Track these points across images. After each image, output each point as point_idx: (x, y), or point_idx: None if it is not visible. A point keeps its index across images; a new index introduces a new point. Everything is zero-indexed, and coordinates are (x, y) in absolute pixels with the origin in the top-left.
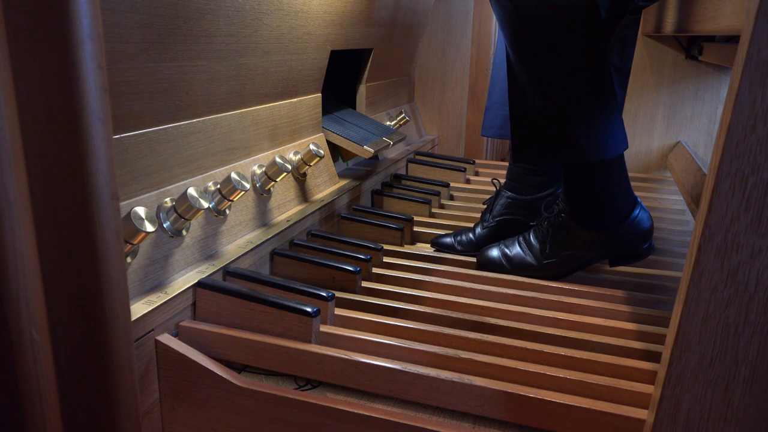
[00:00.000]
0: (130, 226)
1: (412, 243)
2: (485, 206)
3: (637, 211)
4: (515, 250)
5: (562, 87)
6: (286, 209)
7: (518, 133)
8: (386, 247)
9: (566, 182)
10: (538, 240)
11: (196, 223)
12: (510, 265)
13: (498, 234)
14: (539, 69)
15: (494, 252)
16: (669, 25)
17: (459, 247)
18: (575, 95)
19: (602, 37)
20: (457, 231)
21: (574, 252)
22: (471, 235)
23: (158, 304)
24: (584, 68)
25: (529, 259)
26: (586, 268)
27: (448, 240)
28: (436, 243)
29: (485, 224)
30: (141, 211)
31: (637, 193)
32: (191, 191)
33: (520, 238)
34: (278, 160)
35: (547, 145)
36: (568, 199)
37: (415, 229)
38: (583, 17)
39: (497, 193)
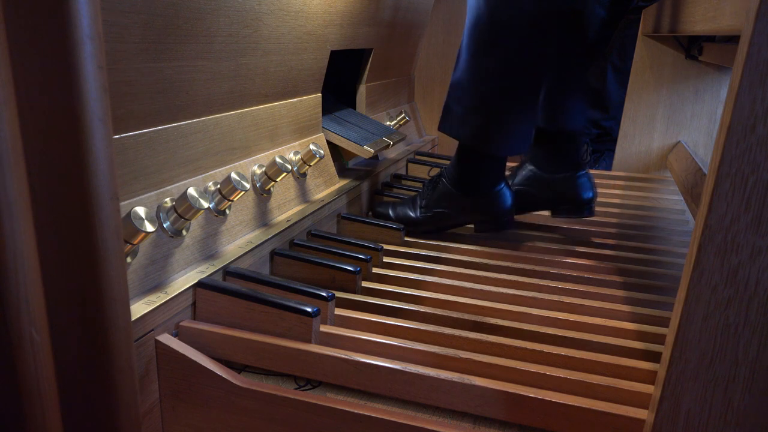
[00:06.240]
0: (130, 226)
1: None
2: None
3: (502, 186)
4: (403, 206)
5: (497, 87)
6: (286, 209)
7: (449, 107)
8: (386, 247)
9: (458, 155)
10: (420, 197)
11: (196, 223)
12: (394, 214)
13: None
14: (488, 65)
15: (387, 208)
16: (669, 25)
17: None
18: (504, 96)
19: (551, 45)
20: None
21: (447, 211)
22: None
23: (158, 304)
24: (525, 72)
25: (410, 212)
26: (455, 228)
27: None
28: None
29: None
30: (141, 211)
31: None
32: (191, 191)
33: (409, 198)
34: (278, 160)
35: (468, 131)
36: (454, 168)
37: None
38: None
39: (521, 164)
